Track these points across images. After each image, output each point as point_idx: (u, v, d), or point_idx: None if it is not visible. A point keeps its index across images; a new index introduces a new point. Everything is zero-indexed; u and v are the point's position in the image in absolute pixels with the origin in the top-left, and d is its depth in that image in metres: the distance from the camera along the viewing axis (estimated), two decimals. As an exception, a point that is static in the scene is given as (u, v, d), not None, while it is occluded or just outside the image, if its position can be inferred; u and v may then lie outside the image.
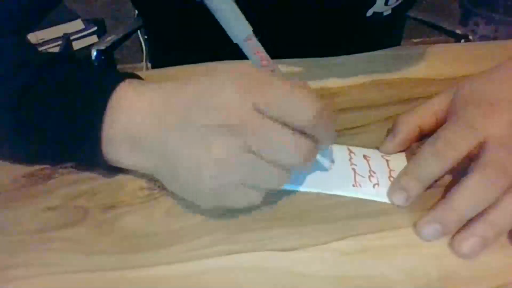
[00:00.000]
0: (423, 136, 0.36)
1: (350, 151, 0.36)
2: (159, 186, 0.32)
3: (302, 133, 0.27)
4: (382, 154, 0.36)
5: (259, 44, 0.30)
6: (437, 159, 0.30)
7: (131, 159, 0.31)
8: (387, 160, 0.35)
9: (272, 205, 0.31)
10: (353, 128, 0.39)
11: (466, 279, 0.27)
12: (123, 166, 0.32)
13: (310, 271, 0.27)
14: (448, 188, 0.30)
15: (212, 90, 0.27)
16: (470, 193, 0.28)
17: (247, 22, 0.29)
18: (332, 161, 0.35)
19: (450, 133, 0.31)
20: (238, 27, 0.28)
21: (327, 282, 0.26)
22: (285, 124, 0.27)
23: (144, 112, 0.29)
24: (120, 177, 0.33)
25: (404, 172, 0.32)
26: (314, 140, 0.28)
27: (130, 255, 0.28)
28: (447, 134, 0.31)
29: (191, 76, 0.29)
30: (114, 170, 0.32)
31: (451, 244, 0.28)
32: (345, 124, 0.39)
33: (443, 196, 0.30)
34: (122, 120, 0.30)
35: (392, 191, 0.32)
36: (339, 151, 0.36)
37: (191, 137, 0.27)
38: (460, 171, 0.30)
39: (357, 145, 0.36)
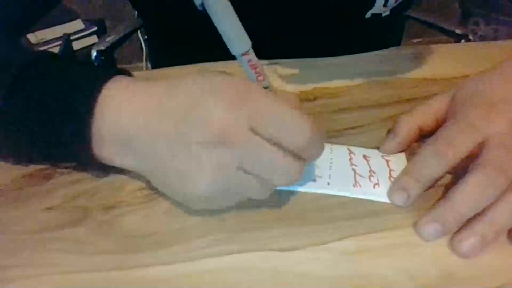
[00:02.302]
0: (423, 136, 0.36)
1: (350, 151, 0.36)
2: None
3: (292, 153, 0.27)
4: (382, 154, 0.36)
5: (256, 59, 0.30)
6: (437, 159, 0.30)
7: (120, 159, 0.30)
8: (387, 160, 0.35)
9: (272, 205, 0.31)
10: (353, 128, 0.39)
11: (466, 279, 0.27)
12: (115, 165, 0.31)
13: (310, 271, 0.27)
14: (448, 188, 0.30)
15: (204, 105, 0.26)
16: (470, 193, 0.28)
17: (247, 37, 0.29)
18: (332, 162, 0.35)
19: (450, 133, 0.31)
20: (238, 42, 0.28)
21: (327, 282, 0.26)
22: (276, 144, 0.26)
23: (131, 116, 0.29)
24: (120, 177, 0.33)
25: (404, 172, 0.32)
26: (302, 159, 0.28)
27: (130, 255, 0.28)
28: (447, 133, 0.31)
29: (181, 80, 0.28)
30: (110, 169, 0.32)
31: (450, 244, 0.28)
32: (345, 124, 0.39)
33: (443, 196, 0.30)
34: (110, 121, 0.29)
35: (392, 192, 0.32)
36: (339, 151, 0.36)
37: (179, 150, 0.27)
38: (460, 171, 0.30)
39: (357, 145, 0.36)
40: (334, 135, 0.38)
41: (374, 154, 0.36)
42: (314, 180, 0.33)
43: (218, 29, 0.29)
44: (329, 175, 0.33)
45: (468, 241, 0.28)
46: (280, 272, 0.27)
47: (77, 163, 0.33)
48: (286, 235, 0.29)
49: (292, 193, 0.32)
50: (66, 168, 0.34)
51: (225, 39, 0.29)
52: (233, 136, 0.26)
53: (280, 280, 0.26)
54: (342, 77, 0.46)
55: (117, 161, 0.31)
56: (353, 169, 0.34)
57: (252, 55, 0.29)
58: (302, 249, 0.28)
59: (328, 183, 0.33)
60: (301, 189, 0.32)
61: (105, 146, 0.30)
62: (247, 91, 0.27)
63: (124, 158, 0.30)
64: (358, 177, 0.33)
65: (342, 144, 0.36)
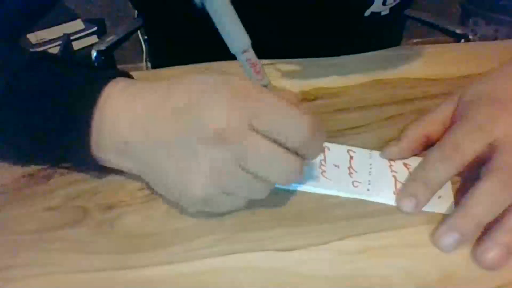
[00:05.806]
0: (433, 145, 0.35)
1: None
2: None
3: (292, 151, 0.27)
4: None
5: (255, 57, 0.30)
6: (445, 164, 0.30)
7: (119, 162, 0.30)
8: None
9: (272, 205, 0.31)
10: (353, 128, 0.39)
11: (466, 279, 0.27)
12: (113, 167, 0.31)
13: (310, 271, 0.27)
14: (456, 189, 0.29)
15: (203, 104, 0.26)
16: (485, 198, 0.27)
17: (246, 35, 0.29)
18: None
19: (457, 136, 0.31)
20: (237, 39, 0.28)
21: (327, 282, 0.26)
22: (276, 142, 0.26)
23: (130, 120, 0.29)
24: (120, 177, 0.33)
25: (412, 179, 0.31)
26: (301, 157, 0.28)
27: (130, 255, 0.28)
28: (455, 137, 0.31)
29: (181, 81, 0.29)
30: (109, 170, 0.32)
31: (473, 257, 0.27)
32: (345, 124, 0.39)
33: (458, 203, 0.29)
34: (109, 124, 0.29)
35: (400, 198, 0.31)
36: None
37: (178, 150, 0.27)
38: (469, 173, 0.30)
39: (357, 145, 0.36)
40: (334, 135, 0.38)
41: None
42: (314, 181, 0.33)
43: (217, 26, 0.29)
44: (369, 181, 0.33)
45: (492, 252, 0.27)
46: (280, 272, 0.27)
47: (77, 165, 0.33)
48: (286, 235, 0.29)
49: (292, 193, 0.32)
50: (66, 168, 0.34)
51: (224, 37, 0.29)
52: (233, 135, 0.26)
53: (280, 280, 0.26)
54: (342, 77, 0.46)
55: (115, 164, 0.31)
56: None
57: (251, 53, 0.29)
58: (302, 249, 0.28)
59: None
60: (300, 189, 0.32)
61: (103, 149, 0.30)
62: (246, 90, 0.27)
63: (123, 160, 0.30)
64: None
65: (342, 144, 0.36)
